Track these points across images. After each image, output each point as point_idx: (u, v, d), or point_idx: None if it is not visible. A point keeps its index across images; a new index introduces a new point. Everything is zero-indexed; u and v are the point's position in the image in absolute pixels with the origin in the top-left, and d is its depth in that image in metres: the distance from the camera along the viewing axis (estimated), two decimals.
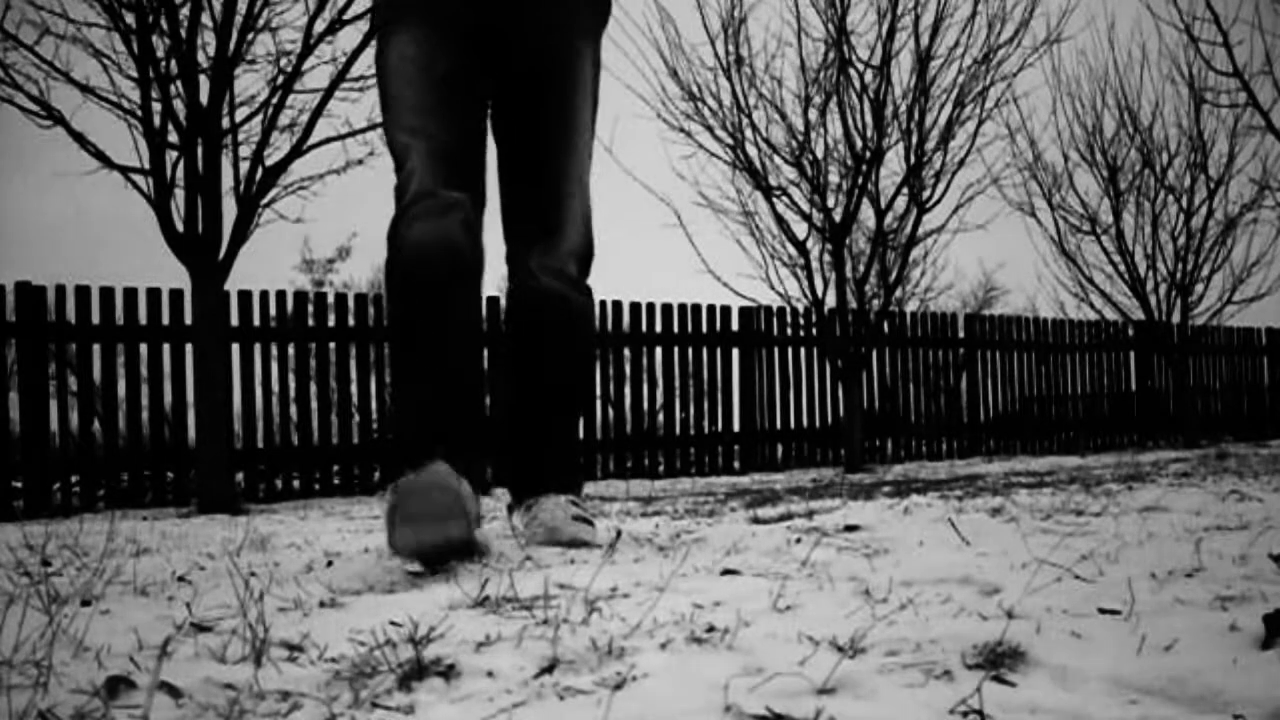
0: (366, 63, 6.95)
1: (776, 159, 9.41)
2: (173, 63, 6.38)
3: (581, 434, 2.67)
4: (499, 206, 2.51)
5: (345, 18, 6.69)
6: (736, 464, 9.69)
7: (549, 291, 2.44)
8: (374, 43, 2.51)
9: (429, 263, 2.20)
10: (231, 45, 6.44)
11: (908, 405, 10.90)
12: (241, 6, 6.47)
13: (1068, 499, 3.22)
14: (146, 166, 6.32)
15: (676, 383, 9.54)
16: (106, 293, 7.19)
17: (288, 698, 1.11)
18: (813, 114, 9.35)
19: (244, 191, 6.50)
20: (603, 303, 9.00)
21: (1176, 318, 11.96)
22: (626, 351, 9.28)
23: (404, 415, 2.30)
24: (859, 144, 9.26)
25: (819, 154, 9.36)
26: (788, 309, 9.96)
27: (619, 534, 2.49)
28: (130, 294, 7.29)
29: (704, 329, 9.62)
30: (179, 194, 6.33)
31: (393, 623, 1.41)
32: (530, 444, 2.52)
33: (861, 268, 10.04)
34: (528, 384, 2.52)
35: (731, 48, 9.38)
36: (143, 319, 7.31)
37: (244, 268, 11.16)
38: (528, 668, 1.17)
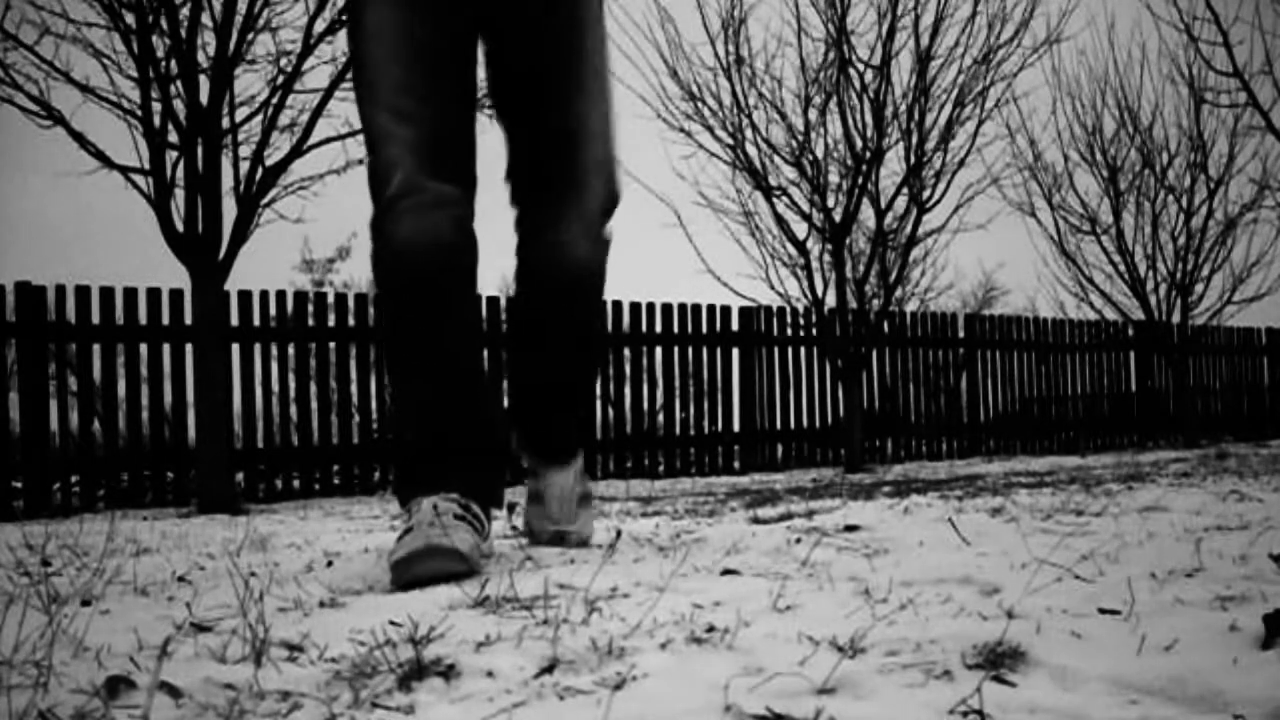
0: None
1: (776, 159, 9.43)
2: (173, 63, 6.38)
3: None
4: (504, 167, 2.29)
5: (345, 18, 6.69)
6: (736, 464, 9.69)
7: (563, 253, 2.24)
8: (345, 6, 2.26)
9: (420, 264, 2.08)
10: (231, 45, 6.44)
11: (908, 405, 10.91)
12: (241, 6, 6.48)
13: (1068, 499, 3.22)
14: (146, 166, 6.32)
15: (676, 383, 9.53)
16: (106, 293, 7.20)
17: (288, 698, 1.11)
18: (813, 114, 9.37)
19: (244, 191, 6.50)
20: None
21: (1176, 318, 11.97)
22: (626, 351, 9.28)
23: (404, 422, 2.18)
24: (859, 144, 9.27)
25: (819, 154, 9.37)
26: (788, 309, 9.96)
27: (619, 534, 2.49)
28: (130, 294, 7.29)
29: (704, 329, 9.63)
30: (179, 194, 6.33)
31: (393, 623, 1.41)
32: (539, 411, 2.38)
33: (861, 268, 10.04)
34: (537, 347, 2.36)
35: (731, 48, 9.39)
36: (143, 319, 7.31)
37: (244, 268, 11.16)
38: (528, 668, 1.17)
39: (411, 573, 1.77)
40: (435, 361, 2.11)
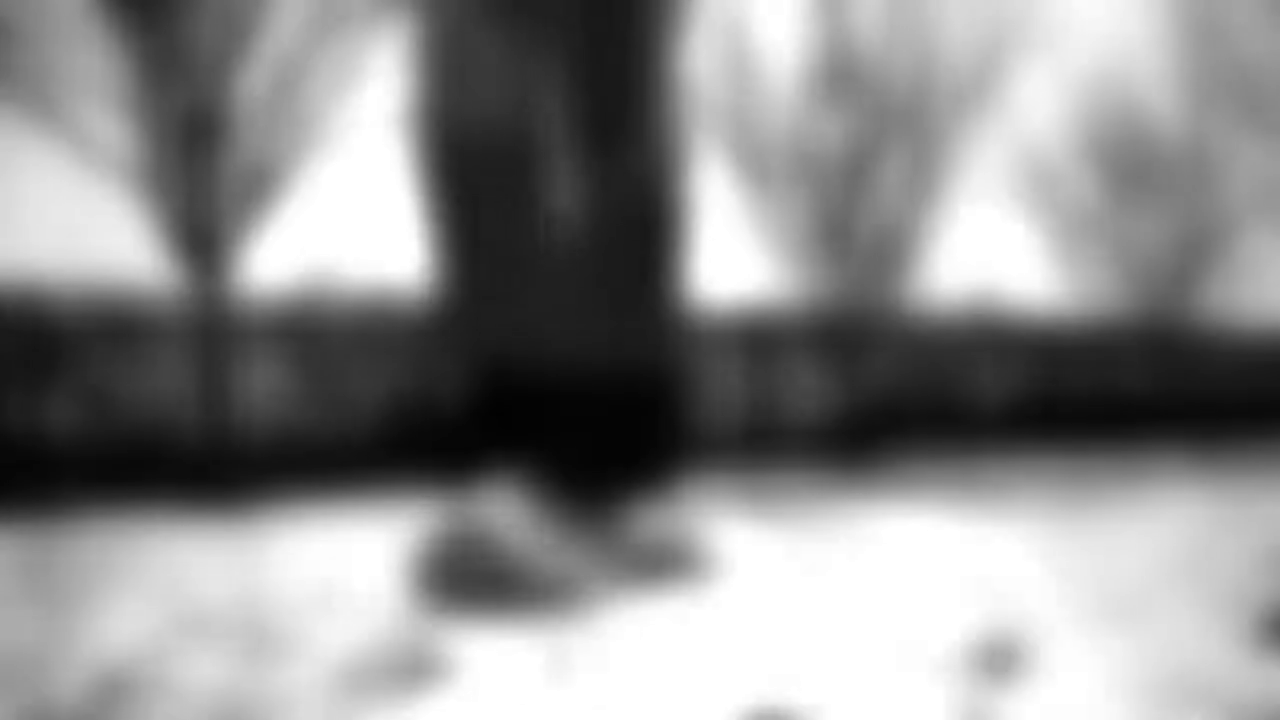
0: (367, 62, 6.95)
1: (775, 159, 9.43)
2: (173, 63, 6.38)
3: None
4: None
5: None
6: None
7: (627, 202, 1.75)
8: None
9: (474, 161, 1.64)
10: (231, 45, 6.45)
11: (907, 405, 10.91)
12: (241, 6, 6.48)
13: (1068, 498, 3.22)
14: (146, 166, 6.32)
15: None
16: (105, 293, 7.20)
17: (288, 698, 1.11)
18: (812, 114, 9.36)
19: (244, 191, 6.51)
20: None
21: (1176, 318, 11.97)
22: None
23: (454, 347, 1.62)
24: (856, 144, 9.27)
25: (818, 154, 9.37)
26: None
27: None
28: (130, 294, 7.29)
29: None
30: (179, 194, 6.33)
31: (393, 622, 1.41)
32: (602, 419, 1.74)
33: (860, 266, 10.05)
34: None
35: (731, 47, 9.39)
36: (142, 319, 7.31)
37: (243, 268, 11.16)
38: (530, 667, 1.17)
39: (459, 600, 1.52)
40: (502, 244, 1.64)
